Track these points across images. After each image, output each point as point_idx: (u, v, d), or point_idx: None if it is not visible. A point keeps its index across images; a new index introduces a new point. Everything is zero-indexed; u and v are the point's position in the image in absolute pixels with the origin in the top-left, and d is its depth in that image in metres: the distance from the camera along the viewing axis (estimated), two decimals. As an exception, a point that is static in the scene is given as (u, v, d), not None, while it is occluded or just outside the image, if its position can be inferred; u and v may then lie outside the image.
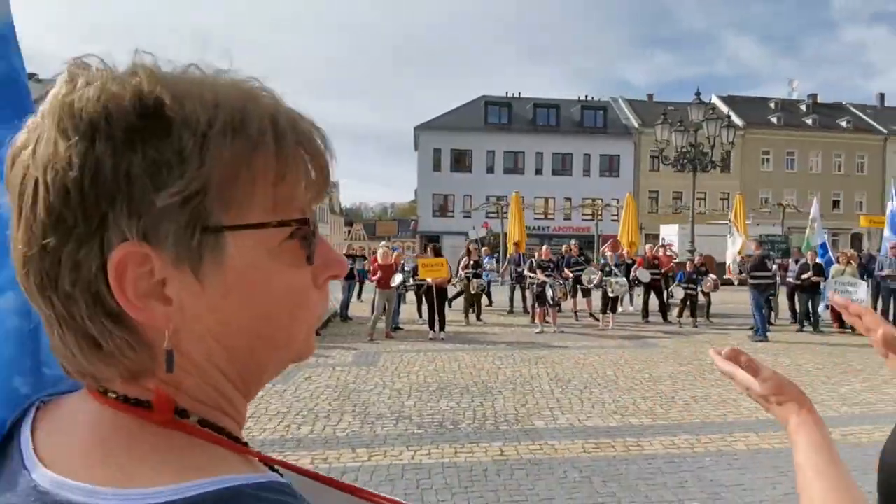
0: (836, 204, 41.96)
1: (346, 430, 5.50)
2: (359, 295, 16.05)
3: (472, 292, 13.31)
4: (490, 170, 42.99)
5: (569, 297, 13.01)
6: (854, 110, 45.66)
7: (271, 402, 6.28)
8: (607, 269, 12.87)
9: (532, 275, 13.23)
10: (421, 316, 13.09)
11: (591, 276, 13.24)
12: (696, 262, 13.46)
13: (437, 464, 4.69)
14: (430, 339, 10.76)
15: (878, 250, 14.00)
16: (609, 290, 12.44)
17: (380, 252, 11.97)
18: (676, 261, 15.14)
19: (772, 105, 45.03)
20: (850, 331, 11.87)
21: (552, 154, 43.82)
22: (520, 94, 47.47)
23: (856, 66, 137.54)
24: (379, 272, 11.21)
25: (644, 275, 13.39)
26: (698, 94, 15.62)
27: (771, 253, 15.04)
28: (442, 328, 11.07)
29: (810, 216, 13.45)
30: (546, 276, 12.06)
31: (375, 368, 8.18)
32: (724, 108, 41.34)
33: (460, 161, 42.90)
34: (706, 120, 14.58)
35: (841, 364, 8.68)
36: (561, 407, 6.30)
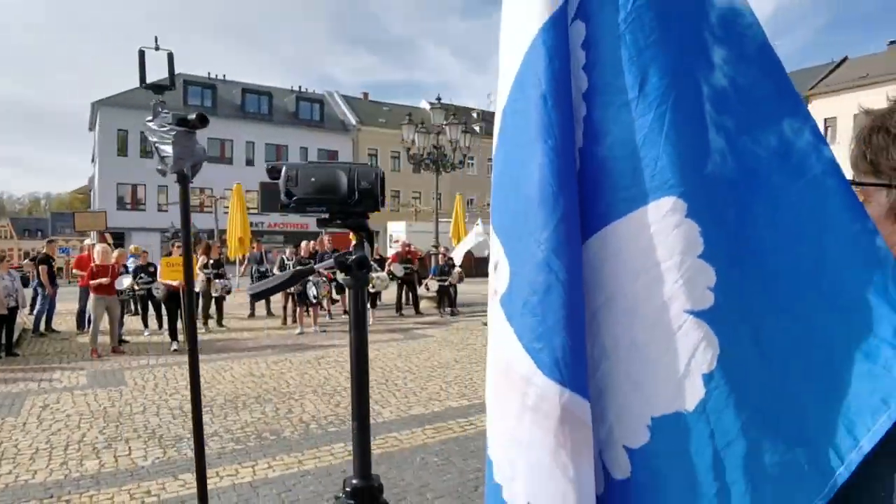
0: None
1: (148, 457, 4.74)
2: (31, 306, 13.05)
3: (214, 295, 12.39)
4: (192, 158, 39.94)
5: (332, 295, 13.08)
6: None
7: (14, 437, 5.02)
8: (365, 264, 13.33)
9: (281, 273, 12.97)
10: (147, 326, 11.70)
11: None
12: (445, 256, 14.88)
13: (290, 474, 4.43)
14: (174, 350, 9.70)
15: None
16: (370, 285, 12.91)
17: (97, 250, 10.24)
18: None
19: (475, 115, 51.81)
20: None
21: (265, 144, 42.87)
22: (225, 77, 45.23)
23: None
24: (98, 275, 9.60)
25: (398, 269, 14.25)
26: (439, 98, 17.22)
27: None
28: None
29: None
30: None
31: (129, 388, 7.09)
32: (433, 115, 46.12)
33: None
34: (449, 124, 16.19)
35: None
36: (377, 402, 6.44)
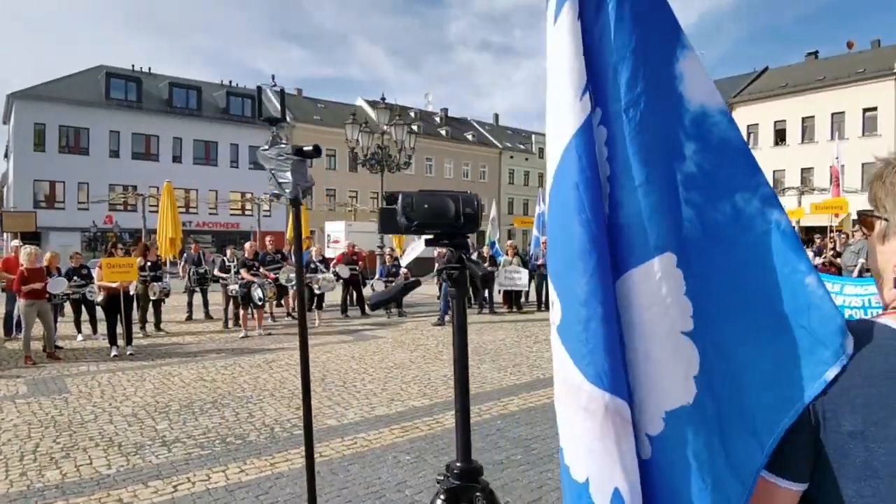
0: (464, 207, 51.15)
1: (112, 466, 4.66)
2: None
3: (153, 298, 12.03)
4: (114, 154, 38.29)
5: (276, 296, 12.93)
6: (477, 126, 56.34)
7: (-38, 453, 4.81)
8: (311, 265, 13.26)
9: (224, 275, 12.77)
10: (81, 331, 11.28)
11: (290, 274, 13.43)
12: (391, 257, 14.97)
13: (264, 477, 4.47)
14: (115, 356, 9.40)
15: (529, 245, 18.03)
16: (315, 286, 12.86)
17: (23, 253, 9.72)
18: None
19: (412, 114, 51.93)
20: (515, 311, 15.00)
21: (193, 141, 41.58)
22: (150, 69, 43.55)
23: (469, 86, 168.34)
24: (29, 279, 9.18)
25: (344, 270, 14.25)
26: (383, 98, 17.28)
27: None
28: (129, 342, 9.79)
29: (490, 217, 16.46)
30: (252, 275, 11.80)
31: (74, 396, 6.87)
32: (371, 112, 45.93)
33: (74, 141, 36.99)
34: (394, 125, 16.30)
35: (530, 336, 11.07)
36: (339, 404, 6.52)
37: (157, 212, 31.70)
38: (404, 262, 16.05)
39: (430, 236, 1.36)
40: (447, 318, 13.08)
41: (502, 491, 4.20)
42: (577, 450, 1.06)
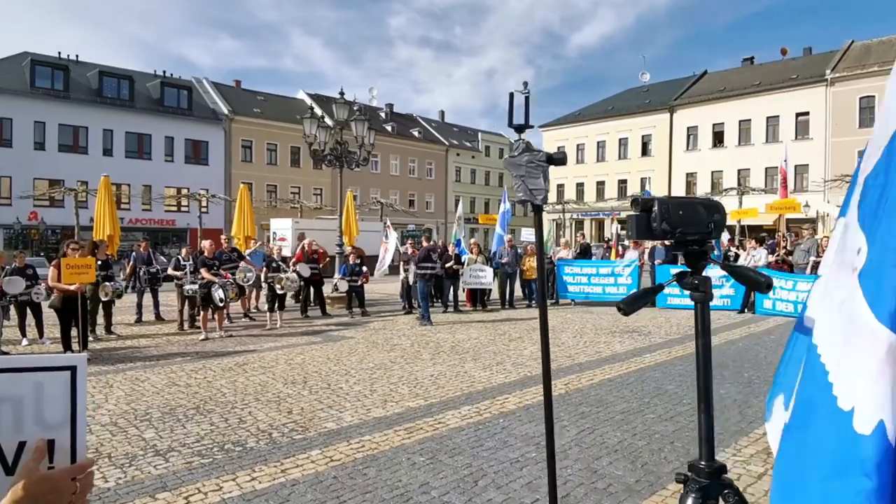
0: (412, 203, 51.05)
1: (108, 479, 4.41)
2: None
3: (105, 299, 11.46)
4: (40, 146, 36.26)
5: (238, 297, 12.53)
6: (423, 122, 56.31)
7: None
8: (274, 265, 12.94)
9: (178, 273, 12.34)
10: (25, 335, 10.65)
11: (247, 273, 13.06)
12: (355, 255, 14.79)
13: (279, 485, 4.32)
14: (69, 361, 8.90)
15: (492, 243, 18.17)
16: (277, 286, 12.54)
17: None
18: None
19: (356, 108, 51.43)
20: (480, 309, 15.09)
21: (125, 133, 39.87)
22: (77, 57, 41.44)
23: (409, 83, 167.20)
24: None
25: (304, 269, 13.96)
26: (342, 93, 17.03)
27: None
28: (85, 346, 9.31)
29: (457, 215, 16.49)
30: (213, 275, 11.40)
31: (39, 405, 6.45)
32: (315, 106, 45.17)
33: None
34: (355, 120, 16.10)
35: (504, 334, 11.15)
36: (331, 406, 6.39)
37: (86, 208, 30.18)
38: (380, 269, 16.21)
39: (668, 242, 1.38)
40: (421, 313, 13.05)
41: (528, 489, 4.22)
42: (850, 381, 1.17)
